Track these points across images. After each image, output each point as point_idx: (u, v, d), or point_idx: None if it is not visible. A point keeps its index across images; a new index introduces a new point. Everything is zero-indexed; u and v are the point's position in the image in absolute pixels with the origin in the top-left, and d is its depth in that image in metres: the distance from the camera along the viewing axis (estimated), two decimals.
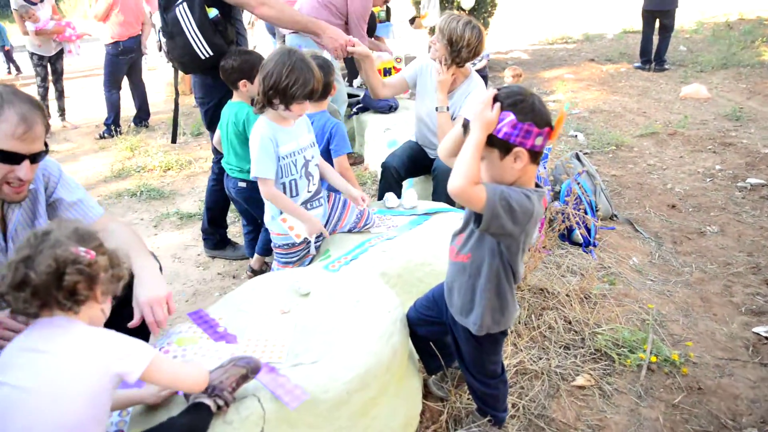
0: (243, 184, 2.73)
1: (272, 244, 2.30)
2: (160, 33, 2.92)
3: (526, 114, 1.33)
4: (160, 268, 1.74)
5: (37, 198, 1.59)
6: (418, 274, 2.16)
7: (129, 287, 1.51)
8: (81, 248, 1.10)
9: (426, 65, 2.97)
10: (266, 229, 2.43)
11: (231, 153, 2.69)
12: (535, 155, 1.38)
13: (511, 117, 1.32)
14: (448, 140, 1.54)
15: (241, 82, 2.55)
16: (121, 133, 5.50)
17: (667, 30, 7.44)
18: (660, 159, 4.57)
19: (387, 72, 4.91)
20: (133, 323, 1.50)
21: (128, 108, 5.96)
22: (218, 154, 2.90)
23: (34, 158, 1.42)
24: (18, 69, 9.43)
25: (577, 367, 2.18)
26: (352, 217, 2.35)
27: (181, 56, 2.55)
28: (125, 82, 5.67)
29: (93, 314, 1.15)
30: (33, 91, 5.73)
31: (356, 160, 4.69)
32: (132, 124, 5.78)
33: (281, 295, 1.85)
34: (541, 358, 2.22)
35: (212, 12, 2.48)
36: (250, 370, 1.38)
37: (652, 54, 7.65)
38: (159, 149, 5.01)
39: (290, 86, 1.97)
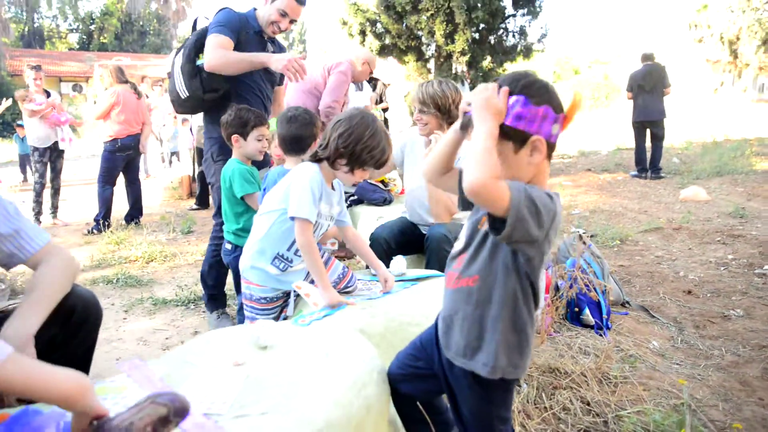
0: (228, 246, 2.56)
1: (247, 297, 2.02)
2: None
3: (542, 96, 1.13)
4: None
5: None
6: (403, 335, 1.84)
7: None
8: None
9: (411, 139, 2.88)
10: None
11: (223, 211, 2.57)
12: (550, 148, 1.17)
13: (522, 100, 1.12)
14: (439, 150, 1.31)
15: (233, 137, 2.50)
16: (109, 227, 5.38)
17: (658, 139, 7.65)
18: (668, 251, 4.35)
19: (385, 185, 4.83)
20: None
21: (122, 209, 5.92)
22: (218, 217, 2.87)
23: None
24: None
25: None
26: (333, 276, 2.08)
27: (170, 92, 2.84)
28: (121, 180, 5.69)
29: None
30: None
31: (348, 253, 4.49)
32: (123, 222, 5.68)
33: (238, 349, 1.54)
34: None
35: (201, 60, 2.69)
36: (173, 410, 1.05)
37: (647, 163, 7.80)
38: (145, 241, 4.85)
39: (367, 150, 1.82)
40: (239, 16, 2.84)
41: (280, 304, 2.02)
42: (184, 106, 2.83)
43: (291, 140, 2.29)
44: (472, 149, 1.09)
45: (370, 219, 4.24)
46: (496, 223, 1.11)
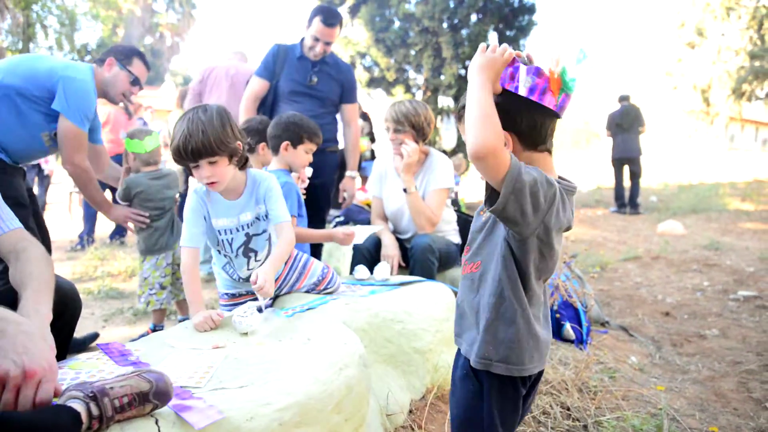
0: None
1: (218, 293, 2.01)
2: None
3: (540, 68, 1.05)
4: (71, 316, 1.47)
5: None
6: (386, 332, 1.86)
7: None
8: None
9: (385, 169, 2.91)
10: None
11: None
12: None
13: (535, 69, 1.04)
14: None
15: (260, 145, 2.60)
16: (93, 242, 5.31)
17: (635, 176, 7.87)
18: (646, 278, 4.43)
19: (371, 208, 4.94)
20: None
21: (107, 228, 5.86)
22: None
23: None
24: None
25: None
26: (312, 278, 2.07)
27: None
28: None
29: None
30: None
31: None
32: (108, 240, 5.60)
33: (218, 334, 1.54)
34: None
35: None
36: (155, 390, 1.02)
37: (626, 199, 7.99)
38: (129, 256, 4.79)
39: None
40: (279, 51, 3.13)
41: (244, 301, 1.96)
42: None
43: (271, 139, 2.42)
44: (473, 111, 1.00)
45: (357, 239, 4.27)
46: (491, 196, 1.03)
